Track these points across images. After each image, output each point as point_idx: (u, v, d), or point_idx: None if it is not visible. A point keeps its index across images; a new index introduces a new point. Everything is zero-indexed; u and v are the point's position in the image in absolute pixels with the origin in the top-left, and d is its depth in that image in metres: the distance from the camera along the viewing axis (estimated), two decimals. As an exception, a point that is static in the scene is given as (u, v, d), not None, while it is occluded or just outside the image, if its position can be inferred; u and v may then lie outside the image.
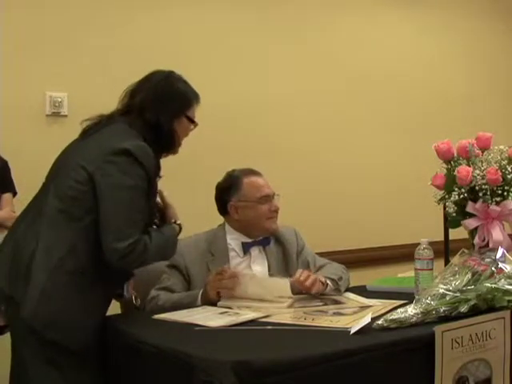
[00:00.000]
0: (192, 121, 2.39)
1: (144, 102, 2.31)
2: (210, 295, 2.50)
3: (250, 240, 2.76)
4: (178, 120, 2.34)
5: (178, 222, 2.37)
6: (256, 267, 2.74)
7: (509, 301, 2.20)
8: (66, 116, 3.31)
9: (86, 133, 2.32)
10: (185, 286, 2.65)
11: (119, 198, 2.16)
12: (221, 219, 2.82)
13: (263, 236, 2.78)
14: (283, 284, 2.56)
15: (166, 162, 3.41)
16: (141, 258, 2.18)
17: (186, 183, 3.48)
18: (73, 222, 2.19)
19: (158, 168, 2.31)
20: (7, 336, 2.37)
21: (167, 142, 2.33)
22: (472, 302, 2.16)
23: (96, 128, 2.30)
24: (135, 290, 2.61)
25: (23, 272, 2.17)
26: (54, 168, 2.35)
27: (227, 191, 2.77)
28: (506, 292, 2.21)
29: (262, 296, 2.49)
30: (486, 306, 2.19)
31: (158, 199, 2.38)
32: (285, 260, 2.76)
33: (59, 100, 3.29)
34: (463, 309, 2.14)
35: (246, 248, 2.75)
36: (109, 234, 2.14)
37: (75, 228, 2.18)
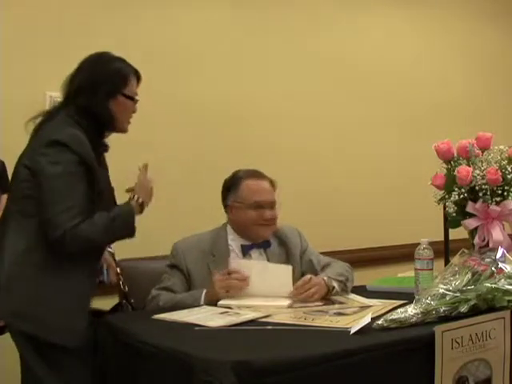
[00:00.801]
0: (130, 98, 2.37)
1: (78, 88, 2.34)
2: (219, 294, 2.48)
3: (248, 242, 2.75)
4: (114, 99, 2.34)
5: (138, 199, 2.35)
6: None
7: (509, 301, 2.20)
8: (66, 116, 3.30)
9: (34, 129, 2.36)
10: (185, 286, 2.65)
11: (49, 187, 2.18)
12: (224, 218, 2.82)
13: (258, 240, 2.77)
14: (284, 271, 2.57)
15: (168, 162, 3.43)
16: (84, 241, 2.19)
17: (187, 183, 3.48)
18: (28, 219, 2.23)
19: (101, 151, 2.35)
20: (7, 336, 2.36)
21: (105, 123, 2.33)
22: (472, 302, 2.16)
23: (39, 126, 2.34)
24: (136, 291, 2.62)
25: None
26: (11, 179, 2.40)
27: (228, 190, 2.78)
28: (506, 292, 2.21)
29: (262, 290, 2.50)
30: (486, 306, 2.19)
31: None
32: (288, 261, 2.75)
33: (59, 100, 3.28)
34: (463, 309, 2.14)
35: (245, 250, 2.74)
36: (45, 224, 2.18)
37: (32, 224, 2.22)
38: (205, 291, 2.52)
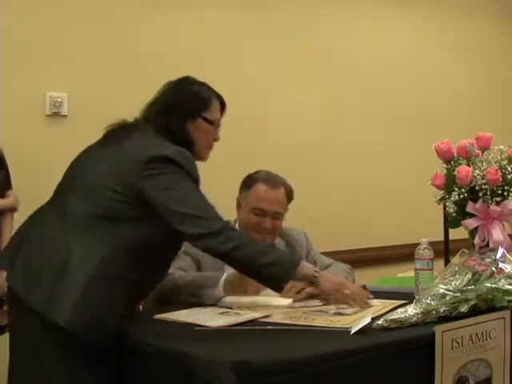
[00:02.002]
0: (211, 122, 2.31)
1: (158, 110, 2.28)
2: (245, 289, 2.46)
3: None
4: (193, 122, 2.28)
5: (316, 269, 2.22)
6: None
7: (509, 301, 2.20)
8: (65, 116, 3.31)
9: (107, 139, 2.27)
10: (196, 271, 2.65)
11: (180, 189, 2.11)
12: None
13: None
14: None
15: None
16: (238, 248, 2.09)
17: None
18: (109, 229, 2.13)
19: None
20: (7, 336, 2.36)
21: (182, 145, 2.23)
22: (472, 302, 2.16)
23: (120, 135, 2.25)
24: None
25: (50, 280, 2.10)
26: (75, 172, 2.29)
27: (242, 185, 2.78)
28: (506, 292, 2.21)
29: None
30: (487, 306, 2.19)
31: None
32: None
33: (59, 100, 3.29)
34: (463, 309, 2.14)
35: None
36: (187, 224, 2.09)
37: (113, 235, 2.13)
38: (225, 277, 2.46)
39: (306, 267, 2.19)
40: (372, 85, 4.22)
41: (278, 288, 2.20)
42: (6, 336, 2.39)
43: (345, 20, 4.16)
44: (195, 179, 2.18)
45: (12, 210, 2.91)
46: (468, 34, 4.68)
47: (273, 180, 2.75)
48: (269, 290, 2.41)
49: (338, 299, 2.28)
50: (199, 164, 3.33)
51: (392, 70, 4.31)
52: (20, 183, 2.95)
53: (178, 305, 2.42)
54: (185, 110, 2.27)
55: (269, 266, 2.12)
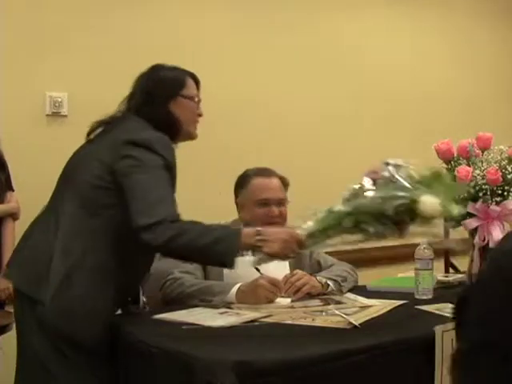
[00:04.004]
0: (190, 98, 2.35)
1: (137, 102, 2.32)
2: (260, 300, 2.43)
3: None
4: (175, 102, 2.32)
5: (258, 228, 2.17)
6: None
7: (397, 206, 2.07)
8: (65, 116, 3.31)
9: (96, 134, 2.31)
10: (202, 275, 2.64)
11: (138, 180, 2.12)
12: (224, 217, 2.81)
13: None
14: (281, 265, 2.58)
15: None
16: (173, 238, 2.07)
17: (188, 182, 3.47)
18: (91, 218, 2.17)
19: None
20: (7, 336, 2.37)
21: (171, 128, 2.29)
22: (354, 217, 2.10)
23: (107, 128, 2.30)
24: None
25: (44, 274, 2.15)
26: (67, 171, 2.33)
27: (237, 188, 2.79)
28: (393, 196, 2.09)
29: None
30: (375, 218, 2.09)
31: None
32: (297, 262, 2.75)
33: (59, 100, 3.29)
34: (346, 224, 2.09)
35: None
36: (137, 214, 2.08)
37: (93, 225, 2.17)
38: (237, 286, 2.46)
39: (247, 236, 2.15)
40: (372, 85, 4.22)
41: (228, 264, 2.17)
42: (7, 336, 2.39)
43: (345, 20, 4.17)
44: (169, 164, 2.19)
45: (13, 215, 2.90)
46: (470, 34, 4.68)
47: (263, 171, 2.78)
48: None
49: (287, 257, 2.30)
50: (200, 163, 3.35)
51: (391, 70, 4.31)
52: (20, 183, 2.95)
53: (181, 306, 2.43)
54: (164, 93, 2.32)
55: (211, 245, 2.10)
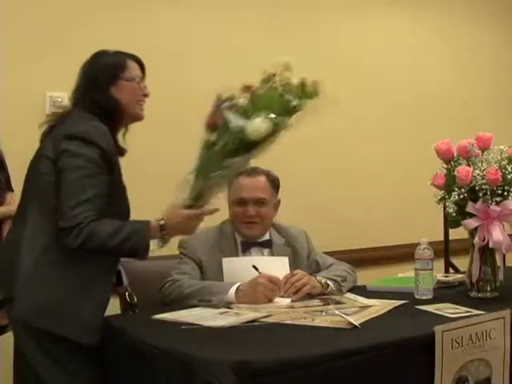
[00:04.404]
0: (131, 80, 2.36)
1: (80, 89, 2.36)
2: (259, 299, 2.44)
3: (247, 240, 2.76)
4: (116, 86, 2.34)
5: (162, 222, 2.25)
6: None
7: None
8: (66, 116, 3.31)
9: (44, 134, 2.35)
10: (200, 276, 2.66)
11: (66, 181, 2.18)
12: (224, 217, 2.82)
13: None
14: (281, 262, 2.60)
15: (171, 163, 3.42)
16: (86, 239, 2.14)
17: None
18: (49, 214, 2.21)
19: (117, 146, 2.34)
20: (7, 336, 2.37)
21: (114, 112, 2.32)
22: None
23: (54, 126, 2.33)
24: (139, 292, 2.61)
25: (12, 273, 2.20)
26: (28, 170, 2.37)
27: (228, 188, 2.79)
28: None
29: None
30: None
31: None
32: (295, 262, 2.76)
33: (59, 100, 3.29)
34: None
35: (244, 247, 2.74)
36: (59, 216, 2.16)
37: (52, 219, 2.20)
38: (236, 285, 2.47)
39: (154, 230, 2.23)
40: (373, 85, 4.22)
41: (140, 257, 2.26)
42: (6, 336, 2.39)
43: (346, 21, 4.17)
44: (105, 152, 2.21)
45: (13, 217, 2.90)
46: (470, 34, 4.68)
47: (250, 170, 2.77)
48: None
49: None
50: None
51: (392, 70, 4.31)
52: (20, 183, 2.94)
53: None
54: (104, 78, 2.34)
55: (121, 244, 2.18)
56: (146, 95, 2.41)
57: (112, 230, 2.17)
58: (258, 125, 2.12)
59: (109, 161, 2.23)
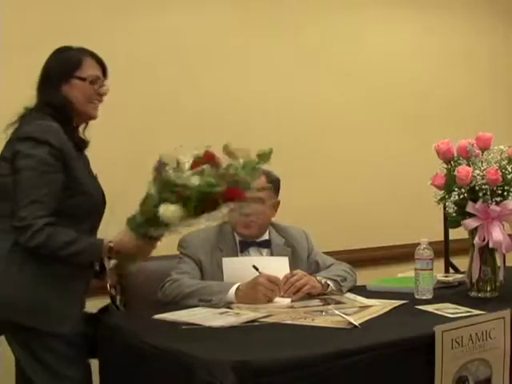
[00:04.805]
0: (83, 79, 2.34)
1: (38, 87, 2.37)
2: (259, 299, 2.44)
3: (245, 239, 2.76)
4: (68, 84, 2.34)
5: (111, 244, 2.25)
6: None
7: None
8: (65, 116, 3.30)
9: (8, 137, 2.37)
10: (199, 276, 2.66)
11: (18, 180, 2.20)
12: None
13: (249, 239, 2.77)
14: (281, 262, 2.59)
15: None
16: (41, 243, 2.17)
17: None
18: (10, 217, 2.22)
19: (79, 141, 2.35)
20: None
21: (64, 109, 2.32)
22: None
23: (14, 128, 2.35)
24: (138, 291, 2.61)
25: None
26: None
27: None
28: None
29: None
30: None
31: None
32: (295, 262, 2.76)
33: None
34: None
35: (242, 247, 2.74)
36: (13, 217, 2.19)
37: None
38: (236, 285, 2.47)
39: (104, 252, 2.24)
40: (373, 85, 4.21)
41: (96, 272, 2.31)
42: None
43: (346, 21, 4.16)
44: (56, 149, 2.22)
45: None
46: (470, 34, 4.67)
47: None
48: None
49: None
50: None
51: (392, 70, 4.31)
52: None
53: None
54: (57, 75, 2.34)
55: (74, 256, 2.21)
56: (100, 95, 2.39)
57: (66, 240, 2.20)
58: (171, 211, 2.11)
59: (61, 158, 2.24)
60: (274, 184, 2.81)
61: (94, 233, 2.38)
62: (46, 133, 2.24)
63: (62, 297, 2.24)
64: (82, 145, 2.40)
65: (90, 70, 2.37)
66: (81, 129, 2.43)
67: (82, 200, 2.30)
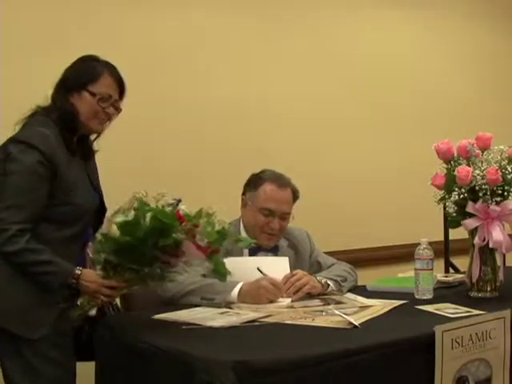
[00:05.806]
0: (93, 94, 2.32)
1: (53, 91, 2.38)
2: (261, 300, 2.44)
3: (256, 246, 2.75)
4: (79, 94, 2.33)
5: (77, 271, 2.23)
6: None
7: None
8: (66, 116, 3.30)
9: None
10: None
11: (4, 182, 2.20)
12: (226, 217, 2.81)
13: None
14: (281, 262, 2.60)
15: (171, 165, 3.42)
16: (13, 252, 2.17)
17: (188, 184, 3.48)
18: None
19: (73, 151, 2.32)
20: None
21: (69, 118, 2.31)
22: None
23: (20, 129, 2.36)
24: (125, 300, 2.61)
25: None
26: None
27: (249, 185, 2.78)
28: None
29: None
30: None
31: None
32: (297, 263, 2.76)
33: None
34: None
35: (251, 252, 2.72)
36: None
37: None
38: (240, 285, 2.47)
39: (69, 280, 2.23)
40: (373, 85, 4.21)
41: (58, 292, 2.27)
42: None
43: (346, 22, 4.16)
44: (46, 157, 2.21)
45: None
46: (470, 34, 4.68)
47: (280, 180, 2.75)
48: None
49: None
50: (203, 168, 3.32)
51: (392, 70, 4.31)
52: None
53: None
54: (73, 82, 2.34)
55: (40, 275, 2.21)
56: (108, 114, 2.36)
57: (38, 259, 2.19)
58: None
59: (49, 166, 2.23)
60: (295, 196, 2.81)
61: (86, 231, 2.37)
62: (38, 139, 2.23)
63: (38, 301, 2.23)
64: (86, 154, 2.39)
65: (103, 87, 2.34)
66: (92, 137, 2.42)
67: (68, 209, 2.29)
